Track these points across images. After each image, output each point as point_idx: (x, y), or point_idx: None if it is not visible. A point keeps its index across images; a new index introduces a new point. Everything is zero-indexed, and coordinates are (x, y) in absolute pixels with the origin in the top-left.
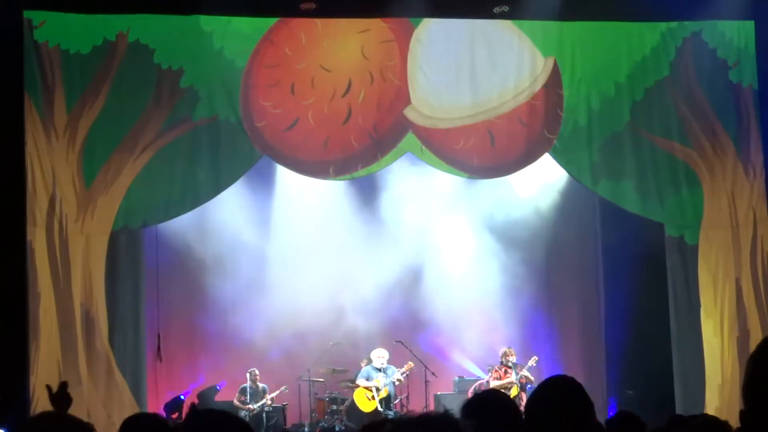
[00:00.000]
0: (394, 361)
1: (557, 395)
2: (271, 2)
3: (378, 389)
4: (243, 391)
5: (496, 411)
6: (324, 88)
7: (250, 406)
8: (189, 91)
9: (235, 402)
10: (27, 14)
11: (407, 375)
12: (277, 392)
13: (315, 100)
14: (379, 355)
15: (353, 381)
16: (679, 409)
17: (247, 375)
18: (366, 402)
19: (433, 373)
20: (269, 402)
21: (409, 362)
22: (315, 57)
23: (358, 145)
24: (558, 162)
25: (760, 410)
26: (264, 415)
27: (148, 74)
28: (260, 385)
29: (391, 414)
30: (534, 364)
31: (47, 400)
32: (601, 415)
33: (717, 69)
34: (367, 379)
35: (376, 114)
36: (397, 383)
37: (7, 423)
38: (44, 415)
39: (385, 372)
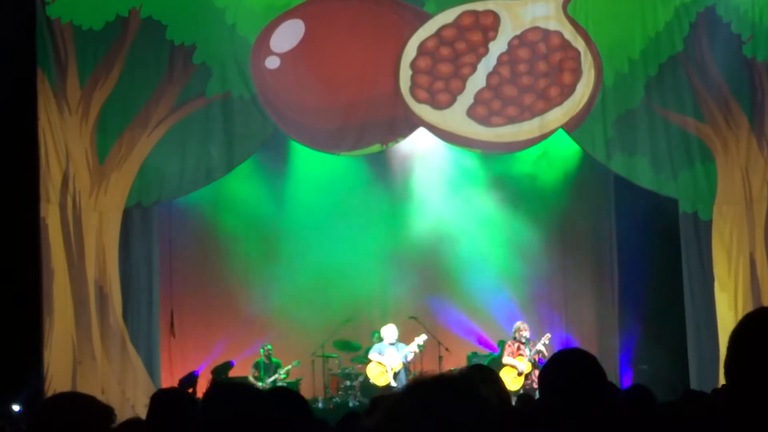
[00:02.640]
0: (408, 336)
1: (570, 367)
2: None
3: (391, 364)
4: (257, 366)
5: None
6: (339, 65)
7: (264, 381)
8: (202, 68)
9: (250, 378)
10: None
11: (422, 347)
12: (290, 366)
13: (330, 77)
14: (390, 331)
15: (365, 356)
16: (693, 384)
17: (261, 350)
18: (379, 376)
19: (446, 348)
20: (282, 377)
21: (422, 335)
22: (332, 35)
23: (372, 122)
24: (572, 137)
25: (743, 387)
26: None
27: (160, 50)
28: (274, 360)
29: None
30: (547, 342)
31: (61, 376)
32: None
33: (731, 44)
34: (380, 354)
35: (390, 93)
36: (411, 355)
37: (22, 399)
38: (60, 397)
39: (396, 347)
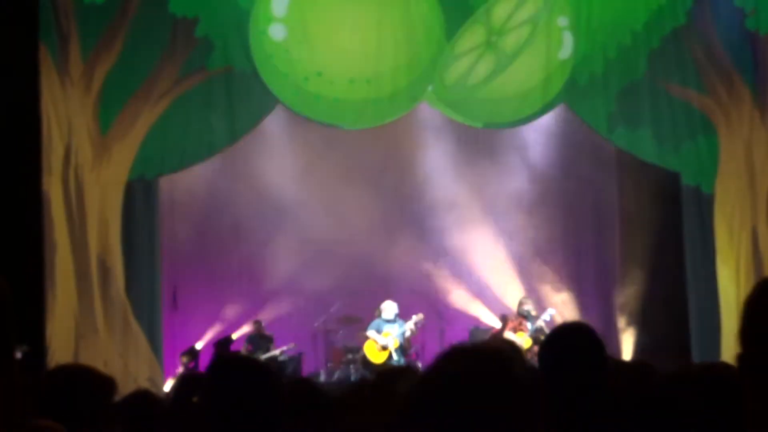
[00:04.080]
0: (411, 310)
1: (569, 339)
2: None
3: (387, 341)
4: (249, 341)
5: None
6: (341, 38)
7: (256, 355)
8: (204, 41)
9: (243, 352)
10: None
11: (419, 325)
12: (285, 348)
13: (331, 50)
14: (389, 308)
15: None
16: (695, 357)
17: (253, 325)
18: (376, 353)
19: (446, 323)
20: (278, 353)
21: (420, 313)
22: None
23: (374, 96)
24: (574, 111)
25: (760, 354)
26: (279, 364)
27: (162, 23)
28: (266, 334)
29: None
30: (548, 318)
31: (63, 350)
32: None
33: (734, 17)
34: (377, 331)
35: (393, 65)
36: (408, 333)
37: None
38: (64, 368)
39: (396, 324)
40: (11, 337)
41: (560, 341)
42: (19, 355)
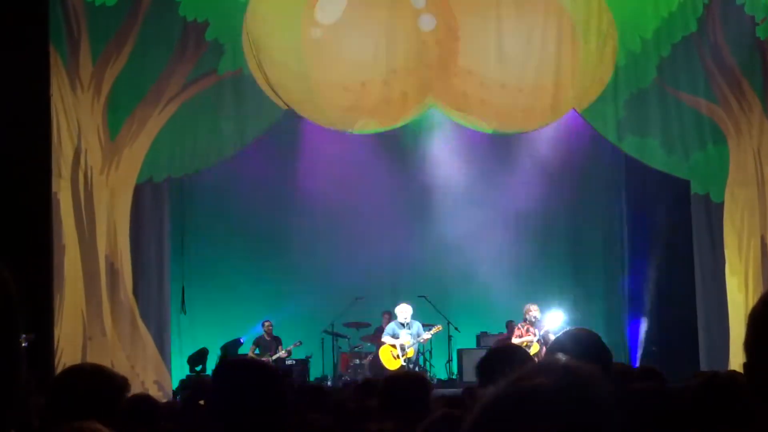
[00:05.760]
0: (417, 315)
1: (575, 347)
2: None
3: (404, 348)
4: (257, 343)
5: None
6: (351, 42)
7: (265, 358)
8: (214, 44)
9: (250, 354)
10: None
11: (435, 335)
12: (291, 346)
13: (341, 55)
14: (403, 311)
15: (378, 336)
16: (703, 365)
17: (261, 327)
18: (391, 360)
19: (456, 328)
20: (285, 354)
21: (438, 325)
22: (345, 13)
23: (384, 101)
24: (584, 117)
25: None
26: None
27: (173, 27)
28: (274, 336)
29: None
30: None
31: (72, 350)
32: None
33: (744, 25)
34: (393, 336)
35: (403, 72)
36: (422, 342)
37: (32, 375)
38: (78, 368)
39: (409, 327)
40: (17, 322)
41: (565, 348)
42: (24, 343)
